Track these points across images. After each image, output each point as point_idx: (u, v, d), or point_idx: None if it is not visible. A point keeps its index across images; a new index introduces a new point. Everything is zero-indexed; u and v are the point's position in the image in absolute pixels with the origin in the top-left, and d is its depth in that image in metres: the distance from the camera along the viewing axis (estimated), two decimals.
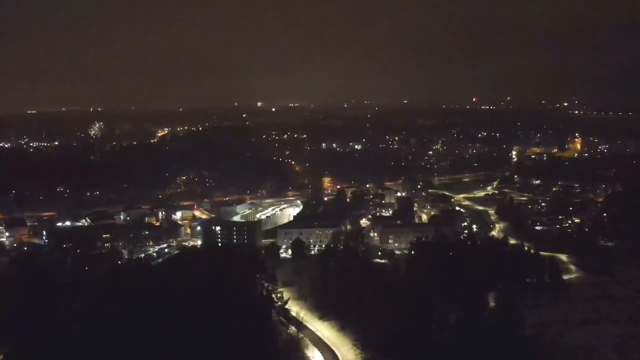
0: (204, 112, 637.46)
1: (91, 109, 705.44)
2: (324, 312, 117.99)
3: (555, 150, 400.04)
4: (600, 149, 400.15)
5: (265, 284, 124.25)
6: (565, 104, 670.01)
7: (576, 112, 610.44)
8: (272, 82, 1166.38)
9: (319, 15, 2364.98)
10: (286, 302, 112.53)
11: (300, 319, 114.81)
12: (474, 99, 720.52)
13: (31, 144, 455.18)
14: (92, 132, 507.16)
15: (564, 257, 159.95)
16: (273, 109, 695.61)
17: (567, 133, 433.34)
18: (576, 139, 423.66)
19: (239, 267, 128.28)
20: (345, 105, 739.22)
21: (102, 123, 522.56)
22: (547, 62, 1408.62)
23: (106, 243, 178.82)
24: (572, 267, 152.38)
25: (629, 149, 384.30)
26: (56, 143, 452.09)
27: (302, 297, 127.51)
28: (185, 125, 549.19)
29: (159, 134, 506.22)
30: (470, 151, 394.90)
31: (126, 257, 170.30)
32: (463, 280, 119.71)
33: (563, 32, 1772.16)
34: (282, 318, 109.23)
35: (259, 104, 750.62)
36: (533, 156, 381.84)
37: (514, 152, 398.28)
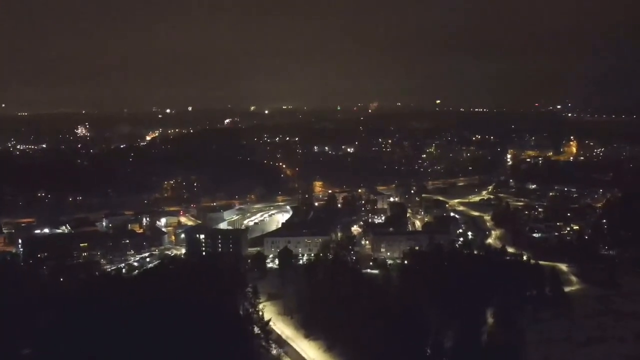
0: (196, 115, 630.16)
1: (83, 111, 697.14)
2: (310, 330, 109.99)
3: (551, 153, 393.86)
4: (596, 152, 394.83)
5: (249, 298, 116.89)
6: (559, 106, 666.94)
7: (569, 114, 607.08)
8: (266, 85, 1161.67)
9: (313, 17, 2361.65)
10: (267, 323, 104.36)
11: (284, 337, 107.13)
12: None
13: (18, 147, 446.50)
14: (81, 134, 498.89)
15: (564, 267, 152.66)
16: (266, 112, 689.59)
17: (562, 136, 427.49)
18: (571, 142, 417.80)
19: (221, 281, 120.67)
20: (339, 108, 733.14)
21: (92, 125, 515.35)
22: (540, 64, 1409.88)
23: (84, 252, 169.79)
24: (573, 279, 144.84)
25: (624, 152, 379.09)
26: (44, 146, 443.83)
27: (287, 312, 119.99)
28: (177, 128, 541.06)
29: (149, 137, 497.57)
30: (464, 154, 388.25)
31: (105, 267, 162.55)
32: (459, 294, 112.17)
33: (555, 34, 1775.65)
34: (264, 338, 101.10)
35: (252, 107, 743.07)
36: (528, 160, 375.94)
37: (508, 156, 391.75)
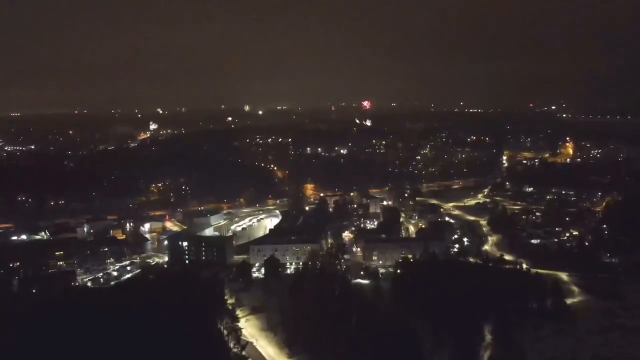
0: (189, 115, 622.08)
1: (76, 112, 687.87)
2: (294, 349, 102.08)
3: (547, 155, 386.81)
4: (593, 154, 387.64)
5: (230, 313, 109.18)
6: (554, 107, 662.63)
7: (565, 115, 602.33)
8: (261, 86, 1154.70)
9: (307, 18, 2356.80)
10: (244, 347, 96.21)
11: (266, 357, 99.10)
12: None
13: (6, 148, 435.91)
14: (72, 135, 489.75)
15: (564, 276, 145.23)
16: (260, 112, 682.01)
17: (558, 137, 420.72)
18: (567, 144, 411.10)
19: (201, 294, 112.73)
20: (333, 109, 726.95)
21: (84, 126, 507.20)
22: (534, 65, 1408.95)
23: (60, 261, 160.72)
24: (575, 289, 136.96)
25: (622, 154, 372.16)
26: (32, 147, 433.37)
27: (271, 327, 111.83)
28: (170, 129, 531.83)
29: (140, 138, 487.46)
30: (459, 156, 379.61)
31: (82, 277, 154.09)
32: (456, 308, 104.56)
33: (549, 35, 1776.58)
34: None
35: (246, 107, 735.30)
36: (524, 161, 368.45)
37: (504, 157, 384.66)
